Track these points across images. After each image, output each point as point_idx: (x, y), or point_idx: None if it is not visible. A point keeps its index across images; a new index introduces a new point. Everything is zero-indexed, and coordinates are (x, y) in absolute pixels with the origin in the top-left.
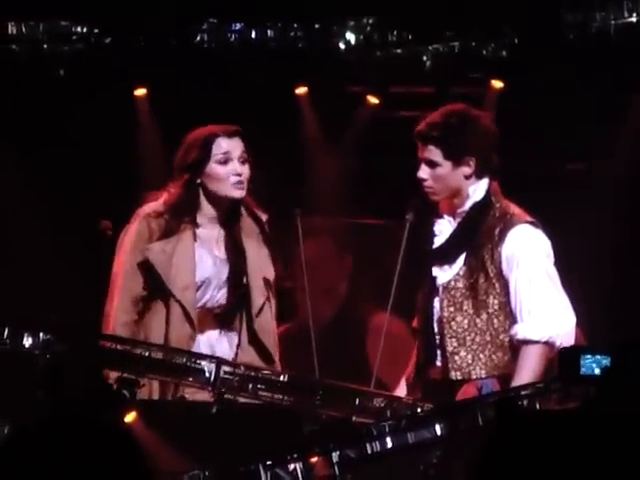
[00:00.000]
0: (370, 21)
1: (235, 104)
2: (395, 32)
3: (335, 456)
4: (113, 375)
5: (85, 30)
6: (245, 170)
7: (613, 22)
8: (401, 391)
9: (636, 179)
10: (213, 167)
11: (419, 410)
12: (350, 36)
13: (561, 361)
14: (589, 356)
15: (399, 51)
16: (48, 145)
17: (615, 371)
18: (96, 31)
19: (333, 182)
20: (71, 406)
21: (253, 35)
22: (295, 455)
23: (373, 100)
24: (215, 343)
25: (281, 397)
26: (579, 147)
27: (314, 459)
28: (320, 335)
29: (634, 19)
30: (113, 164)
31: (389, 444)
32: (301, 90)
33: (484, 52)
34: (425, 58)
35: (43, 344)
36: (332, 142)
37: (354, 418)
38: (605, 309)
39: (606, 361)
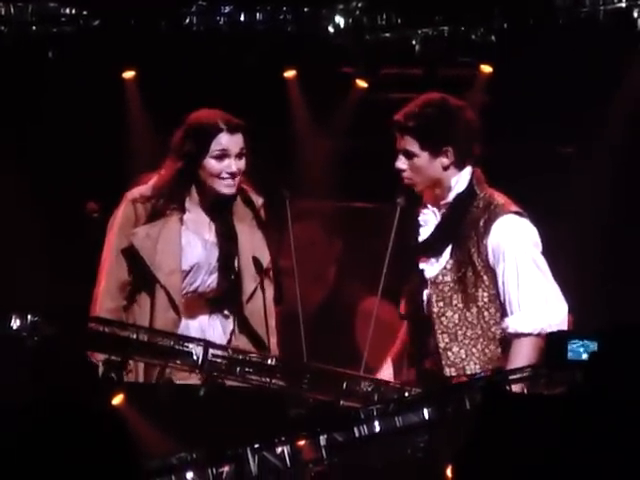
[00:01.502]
0: (359, 4)
1: (224, 87)
2: (384, 16)
3: (323, 440)
4: (100, 358)
5: (74, 12)
6: (241, 165)
7: (602, 7)
8: (389, 374)
9: (624, 163)
10: (209, 162)
11: (407, 394)
12: (339, 19)
13: (548, 346)
14: (576, 341)
15: (388, 35)
16: (36, 127)
17: (602, 356)
18: (85, 13)
19: (323, 165)
20: (58, 389)
21: (242, 18)
22: (282, 438)
23: (362, 83)
24: (207, 328)
25: (269, 380)
26: (568, 131)
27: (302, 442)
28: (309, 319)
29: (623, 4)
30: (101, 146)
31: (377, 428)
32: (290, 73)
33: (473, 37)
34: (414, 42)
35: (31, 326)
36: (321, 125)
37: (342, 402)
38: (597, 295)
39: (593, 346)
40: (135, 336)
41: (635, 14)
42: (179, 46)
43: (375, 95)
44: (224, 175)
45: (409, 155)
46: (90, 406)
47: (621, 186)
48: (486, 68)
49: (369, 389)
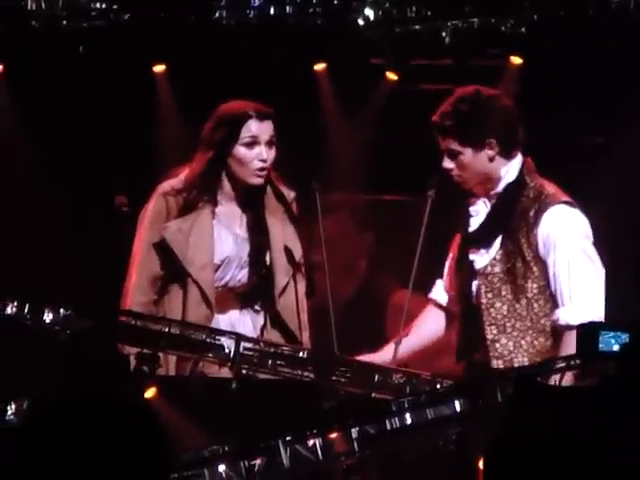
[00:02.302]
0: None
1: (253, 81)
2: (414, 8)
3: (354, 432)
4: (133, 351)
5: (104, 6)
6: (271, 154)
7: None
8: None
9: None
10: (239, 149)
11: (438, 386)
12: (369, 12)
13: (579, 337)
14: (608, 332)
15: (418, 27)
16: (67, 122)
17: (634, 347)
18: (115, 7)
19: (353, 158)
20: (91, 382)
21: (272, 11)
22: (314, 431)
23: (392, 76)
24: (237, 323)
25: (300, 373)
26: (599, 122)
27: (333, 435)
28: (340, 312)
29: None
30: (132, 141)
31: (408, 420)
32: (320, 66)
33: (503, 28)
34: (444, 34)
35: (63, 320)
36: (352, 118)
37: (373, 394)
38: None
39: (625, 337)
40: (167, 329)
41: None
42: (209, 40)
43: (405, 87)
44: (255, 164)
45: (453, 154)
46: (122, 399)
47: None
48: (516, 59)
49: (401, 381)
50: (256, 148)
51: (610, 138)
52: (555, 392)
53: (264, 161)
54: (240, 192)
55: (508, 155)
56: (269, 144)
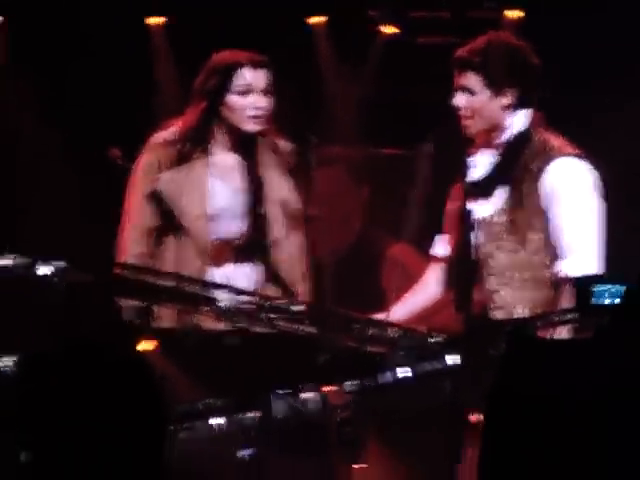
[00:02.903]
0: None
1: (251, 34)
2: None
3: (348, 385)
4: (127, 304)
5: None
6: (267, 103)
7: None
8: (400, 318)
9: None
10: (232, 98)
11: (433, 340)
12: None
13: (577, 290)
14: (605, 286)
15: None
16: (61, 73)
17: (629, 300)
18: None
19: (350, 112)
20: (86, 334)
21: None
22: (309, 384)
23: (389, 30)
24: (233, 277)
25: (296, 327)
26: (603, 79)
27: (327, 388)
28: (336, 265)
29: None
30: (128, 94)
31: (402, 374)
32: (316, 19)
33: None
34: None
35: (58, 272)
36: (349, 71)
37: (369, 348)
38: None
39: (621, 291)
40: (161, 282)
41: None
42: None
43: (403, 39)
44: (249, 112)
45: (470, 92)
46: (117, 351)
47: None
48: (515, 13)
49: (396, 335)
50: (250, 96)
51: (615, 95)
52: (549, 345)
53: (259, 109)
54: (235, 141)
55: (520, 108)
56: (265, 92)
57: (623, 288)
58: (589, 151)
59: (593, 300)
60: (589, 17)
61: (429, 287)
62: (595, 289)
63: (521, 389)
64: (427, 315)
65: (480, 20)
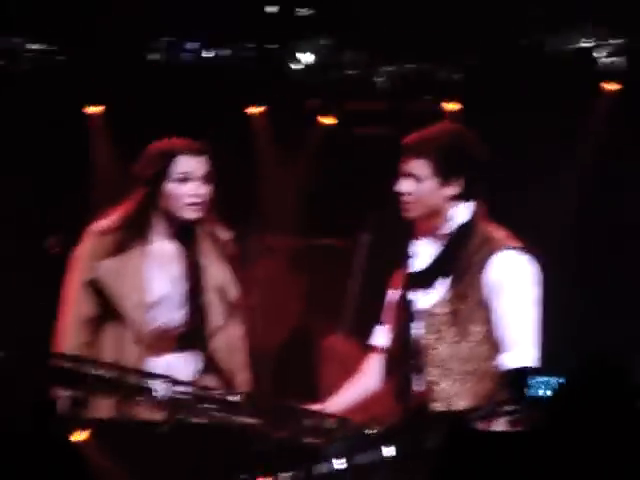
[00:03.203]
0: (325, 42)
1: (189, 122)
2: (350, 53)
3: (285, 477)
4: (62, 394)
5: (39, 47)
6: (206, 190)
7: (567, 47)
8: (335, 408)
9: (592, 194)
10: (170, 185)
11: (370, 431)
12: (303, 56)
13: (509, 382)
14: (538, 377)
15: (353, 72)
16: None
17: (565, 393)
18: (49, 48)
19: (288, 201)
20: (19, 423)
21: (207, 54)
22: (245, 476)
23: (327, 120)
24: (174, 367)
25: (232, 417)
26: (535, 164)
27: (263, 479)
28: (273, 355)
29: (586, 44)
30: (66, 182)
31: (338, 465)
32: (255, 109)
33: (438, 74)
34: (380, 79)
35: None
36: (287, 160)
37: (305, 439)
38: (568, 333)
39: (555, 383)
40: (98, 372)
41: (596, 54)
42: (144, 82)
43: (341, 130)
44: (187, 199)
45: (416, 179)
46: (51, 441)
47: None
48: (452, 105)
49: (332, 426)
50: (188, 184)
51: (547, 181)
52: (485, 437)
53: (197, 196)
54: (174, 229)
55: (465, 199)
56: (203, 180)
57: (558, 380)
58: (527, 242)
59: (529, 392)
60: (521, 113)
61: (367, 378)
62: (531, 381)
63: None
64: (365, 406)
65: (417, 112)
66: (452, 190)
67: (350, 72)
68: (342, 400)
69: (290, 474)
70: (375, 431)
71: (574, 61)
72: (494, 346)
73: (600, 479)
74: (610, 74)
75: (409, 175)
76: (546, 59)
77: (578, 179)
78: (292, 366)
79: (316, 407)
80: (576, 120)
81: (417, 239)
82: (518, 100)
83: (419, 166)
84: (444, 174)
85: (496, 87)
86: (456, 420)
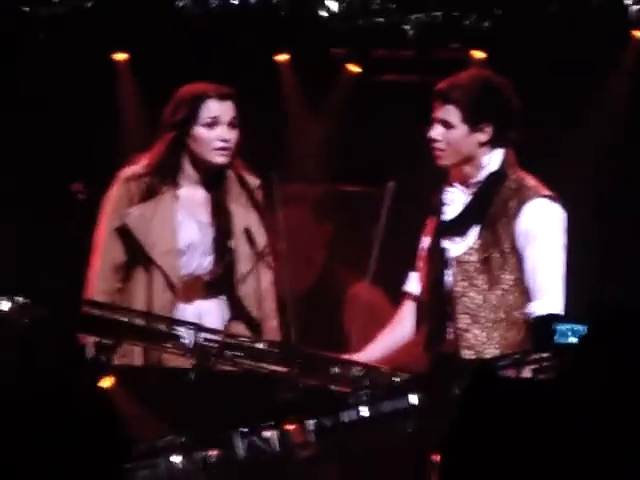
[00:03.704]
0: None
1: (217, 71)
2: (377, 0)
3: (311, 424)
4: (89, 340)
5: None
6: (233, 135)
7: None
8: (373, 356)
9: (618, 149)
10: (199, 130)
11: (396, 379)
12: (332, 3)
13: (536, 330)
14: (565, 325)
15: (381, 20)
16: (28, 109)
17: (592, 340)
18: None
19: (314, 149)
20: (47, 372)
21: (235, 1)
22: (271, 423)
23: (354, 68)
24: (204, 313)
25: (259, 364)
26: (563, 117)
27: (290, 427)
28: (298, 303)
29: None
30: (94, 129)
31: (365, 413)
32: (282, 57)
33: (467, 22)
34: (407, 27)
35: (20, 309)
36: (313, 109)
37: (331, 386)
38: (592, 282)
39: (582, 330)
40: (126, 319)
41: (626, 1)
42: (171, 29)
43: (368, 78)
44: (216, 144)
45: (447, 125)
46: (77, 388)
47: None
48: (478, 53)
49: (359, 374)
50: (217, 129)
51: (575, 131)
52: (512, 385)
53: (226, 141)
54: (203, 173)
55: (496, 146)
56: (231, 125)
57: (583, 327)
58: (557, 191)
59: (556, 339)
60: (551, 60)
61: (405, 325)
62: (558, 328)
63: (480, 428)
64: (395, 354)
65: (445, 59)
66: (483, 137)
67: (378, 20)
68: (381, 347)
69: (317, 422)
70: (402, 379)
71: (604, 9)
72: (524, 294)
73: (625, 426)
74: None
75: (440, 121)
76: (575, 8)
77: (607, 129)
78: (318, 314)
79: (356, 356)
80: (605, 69)
81: (449, 187)
82: (546, 49)
83: (449, 112)
84: (474, 120)
85: (524, 35)
86: (483, 367)
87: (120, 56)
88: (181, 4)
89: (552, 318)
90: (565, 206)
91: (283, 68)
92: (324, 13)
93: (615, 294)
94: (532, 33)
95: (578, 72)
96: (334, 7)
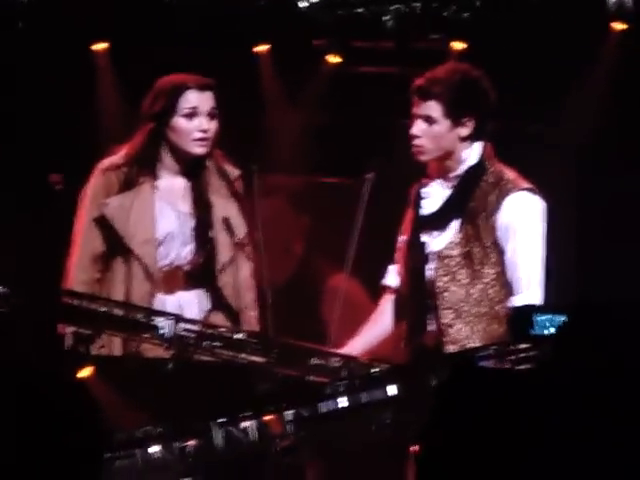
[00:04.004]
0: None
1: (195, 61)
2: None
3: (289, 414)
4: (68, 330)
5: None
6: (212, 126)
7: None
8: (360, 347)
9: (594, 145)
10: (178, 120)
11: (374, 370)
12: None
13: (514, 320)
14: (543, 315)
15: (360, 10)
16: (6, 99)
17: (569, 330)
18: None
19: (293, 140)
20: (23, 360)
21: None
22: (249, 413)
23: (334, 59)
24: (184, 304)
25: (237, 355)
26: (539, 109)
27: (268, 417)
28: (277, 294)
29: None
30: (72, 119)
31: (343, 404)
32: (262, 48)
33: (445, 13)
34: (387, 17)
35: None
36: (293, 100)
37: (309, 377)
38: (570, 272)
39: (560, 320)
40: (105, 309)
41: None
42: (151, 18)
43: (347, 68)
44: (196, 135)
45: (429, 121)
46: (55, 378)
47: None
48: (458, 44)
49: (337, 365)
50: (195, 120)
51: (550, 125)
52: (491, 375)
53: (205, 131)
54: (182, 164)
55: (476, 140)
56: (210, 115)
57: (561, 317)
58: (536, 182)
59: (535, 330)
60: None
61: (385, 319)
62: (537, 319)
63: (460, 419)
64: (375, 347)
65: (424, 51)
66: (464, 131)
67: (357, 10)
68: (360, 344)
69: (295, 412)
70: (380, 370)
71: (584, 2)
72: (505, 287)
73: (605, 414)
74: (619, 14)
75: (421, 117)
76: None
77: (586, 120)
78: (296, 306)
79: (339, 351)
80: (584, 61)
81: (428, 180)
82: (526, 40)
83: (431, 108)
84: (456, 114)
85: (503, 26)
86: (462, 358)
87: (100, 46)
88: None
89: (530, 309)
90: (545, 197)
91: (263, 58)
92: (304, 3)
93: (594, 285)
94: (512, 24)
95: (557, 62)
96: None
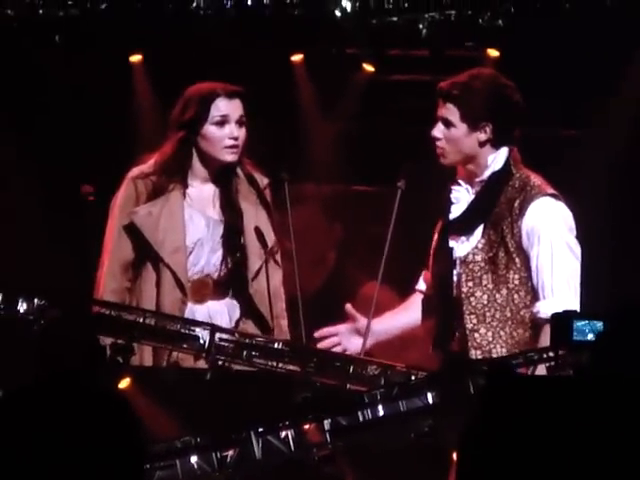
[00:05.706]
0: None
1: (230, 71)
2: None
3: (327, 424)
4: (106, 341)
5: None
6: (242, 133)
7: None
8: (381, 332)
9: (630, 150)
10: (209, 128)
11: (412, 378)
12: (346, 3)
13: (553, 327)
14: (582, 321)
15: (395, 19)
16: (42, 112)
17: (609, 336)
18: None
19: (326, 149)
20: (65, 372)
21: (249, 1)
22: (287, 422)
23: (368, 68)
24: (214, 314)
25: (275, 364)
26: (574, 115)
27: (306, 426)
28: (309, 304)
29: None
30: (108, 130)
31: (381, 412)
32: (297, 57)
33: (480, 21)
34: (421, 26)
35: (37, 310)
36: (327, 109)
37: (347, 386)
38: (605, 278)
39: (599, 326)
40: (141, 319)
41: None
42: (186, 30)
43: (381, 78)
44: (226, 142)
45: (447, 124)
46: (96, 389)
47: (626, 170)
48: (493, 52)
49: (375, 373)
50: (226, 127)
51: (585, 130)
52: (529, 382)
53: (235, 139)
54: (212, 172)
55: (498, 145)
56: (239, 123)
57: (601, 323)
58: (567, 190)
59: (573, 336)
60: (564, 58)
61: (411, 311)
62: (575, 325)
63: (498, 426)
64: (403, 345)
65: (459, 58)
66: (482, 136)
67: (392, 19)
68: (384, 324)
69: (334, 421)
70: (417, 377)
71: (618, 7)
72: (530, 293)
73: None
74: None
75: (441, 120)
76: (590, 6)
77: (620, 129)
78: (327, 313)
79: (359, 324)
80: (617, 66)
81: (456, 186)
82: (560, 47)
83: (449, 111)
84: (472, 119)
85: (538, 33)
86: (499, 365)
87: (135, 58)
88: (194, 5)
89: (569, 315)
90: (576, 203)
91: (297, 67)
92: (338, 12)
93: (629, 290)
94: (546, 31)
95: (591, 67)
96: (348, 6)
